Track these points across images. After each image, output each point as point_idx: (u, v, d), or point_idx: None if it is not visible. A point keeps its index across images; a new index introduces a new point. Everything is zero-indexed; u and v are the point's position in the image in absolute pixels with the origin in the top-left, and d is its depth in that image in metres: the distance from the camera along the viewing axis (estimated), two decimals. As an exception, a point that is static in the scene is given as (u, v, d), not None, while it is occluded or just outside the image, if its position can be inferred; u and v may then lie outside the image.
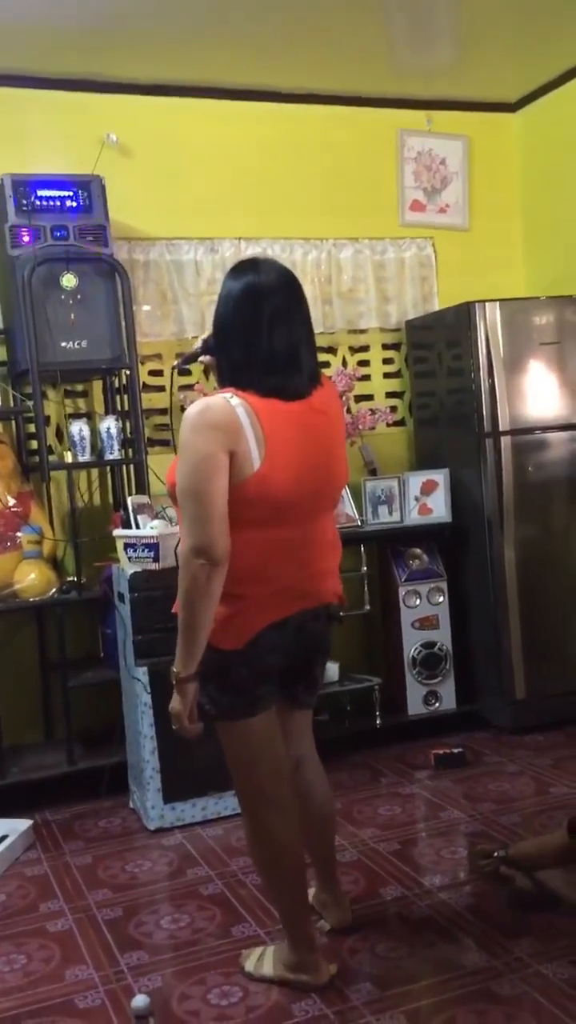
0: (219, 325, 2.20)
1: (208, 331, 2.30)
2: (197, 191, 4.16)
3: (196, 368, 4.16)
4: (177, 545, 2.14)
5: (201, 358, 2.34)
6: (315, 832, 2.50)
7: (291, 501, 2.16)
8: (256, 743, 2.25)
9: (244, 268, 2.20)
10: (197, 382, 4.15)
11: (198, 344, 2.37)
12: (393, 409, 4.54)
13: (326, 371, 4.40)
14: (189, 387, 4.15)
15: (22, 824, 3.34)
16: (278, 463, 2.11)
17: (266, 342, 2.13)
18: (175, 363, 2.61)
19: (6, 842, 3.19)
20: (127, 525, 3.54)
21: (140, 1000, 2.29)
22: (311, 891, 2.57)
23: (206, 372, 3.95)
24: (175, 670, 2.14)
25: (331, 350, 4.48)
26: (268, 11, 3.54)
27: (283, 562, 2.18)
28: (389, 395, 4.61)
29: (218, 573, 2.06)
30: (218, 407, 2.09)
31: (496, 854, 2.70)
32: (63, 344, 3.60)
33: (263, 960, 2.41)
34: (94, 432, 3.79)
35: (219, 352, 2.21)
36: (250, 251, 4.21)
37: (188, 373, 4.13)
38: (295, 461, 2.14)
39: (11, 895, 2.97)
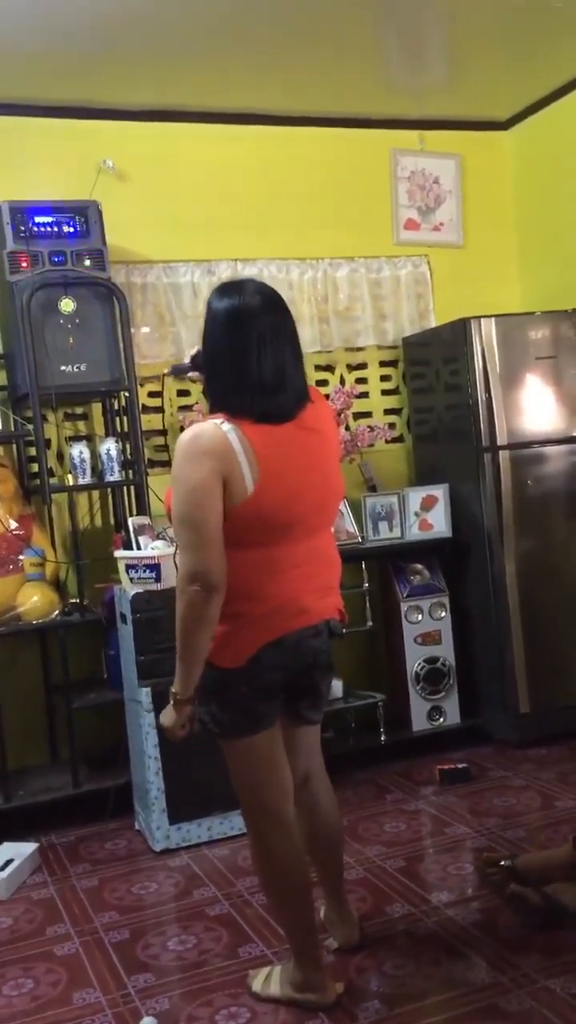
0: (207, 349, 2.22)
1: (198, 347, 2.31)
2: (193, 214, 4.20)
3: (196, 388, 4.19)
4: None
5: (190, 374, 2.36)
6: (323, 850, 2.50)
7: (286, 521, 2.17)
8: (259, 761, 2.26)
9: (228, 291, 2.21)
10: (196, 403, 4.18)
11: (187, 360, 2.40)
12: (392, 426, 4.56)
13: (324, 389, 4.42)
14: (188, 407, 4.17)
15: (28, 847, 3.34)
16: (272, 485, 2.12)
17: (254, 366, 2.14)
18: (166, 371, 2.64)
19: (12, 866, 3.19)
20: (128, 546, 3.55)
21: (148, 1023, 2.30)
22: (320, 909, 2.57)
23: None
24: (174, 691, 2.18)
25: (329, 368, 4.51)
26: (262, 36, 3.59)
27: (281, 580, 2.20)
28: (387, 412, 4.63)
29: (215, 599, 2.09)
30: (209, 434, 2.11)
31: (503, 863, 2.70)
32: (62, 367, 3.63)
33: (270, 980, 2.41)
34: (94, 454, 3.81)
35: (208, 376, 2.23)
36: (247, 272, 4.25)
37: (184, 375, 4.11)
38: (289, 481, 2.16)
39: (18, 919, 2.97)
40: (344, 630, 2.40)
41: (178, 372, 2.53)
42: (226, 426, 2.12)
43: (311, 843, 2.43)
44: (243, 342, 2.15)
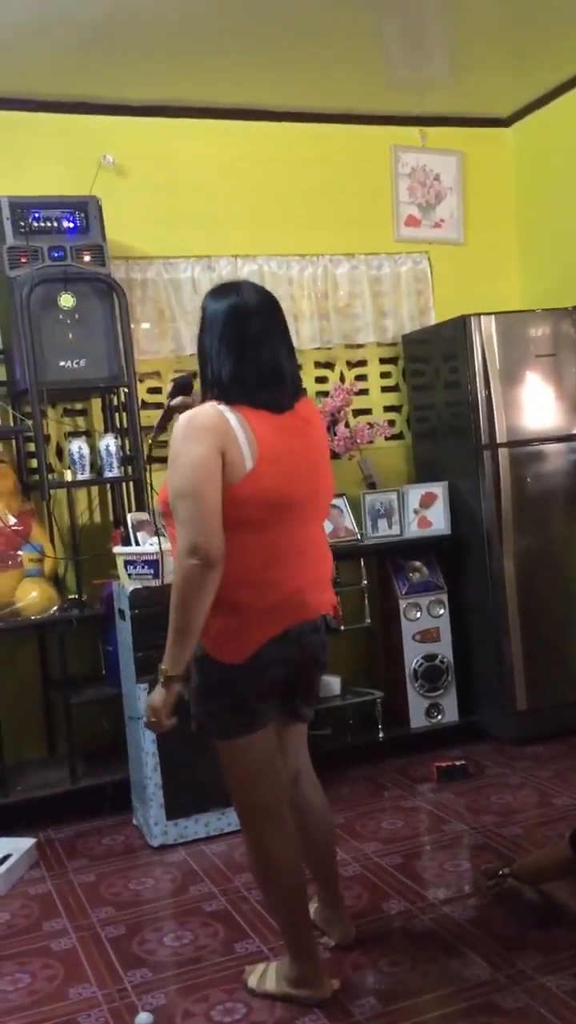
0: (207, 346, 2.24)
1: (176, 373, 2.35)
2: (193, 210, 4.20)
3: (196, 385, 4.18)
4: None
5: (173, 403, 2.39)
6: (315, 847, 2.50)
7: (286, 501, 2.19)
8: (256, 760, 2.26)
9: (226, 290, 2.27)
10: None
11: (169, 384, 2.42)
12: (391, 423, 4.56)
13: (324, 386, 4.43)
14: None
15: (26, 842, 3.34)
16: (270, 463, 2.15)
17: (253, 359, 2.19)
18: (152, 434, 2.63)
19: (9, 861, 3.19)
20: (127, 542, 3.55)
21: (144, 1018, 2.30)
22: (313, 907, 2.57)
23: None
24: (163, 667, 2.14)
25: (328, 365, 4.51)
26: (262, 31, 3.58)
27: (280, 568, 2.20)
28: (387, 409, 4.63)
29: (212, 575, 2.08)
30: (206, 413, 2.14)
31: (501, 872, 2.70)
32: (62, 363, 3.63)
33: (266, 976, 2.41)
34: (93, 450, 3.81)
35: (207, 373, 2.25)
36: (246, 268, 4.25)
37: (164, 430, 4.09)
38: (286, 462, 2.18)
39: (15, 914, 2.97)
40: (341, 627, 2.40)
41: (163, 426, 2.54)
42: (222, 407, 2.15)
43: (304, 841, 2.42)
44: (243, 338, 2.19)
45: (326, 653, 2.38)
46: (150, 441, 2.64)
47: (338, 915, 2.59)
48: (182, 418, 2.15)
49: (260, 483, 2.13)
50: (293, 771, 2.44)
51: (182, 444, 2.11)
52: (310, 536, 2.29)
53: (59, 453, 3.99)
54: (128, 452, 3.84)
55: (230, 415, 2.13)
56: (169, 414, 2.45)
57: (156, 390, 4.15)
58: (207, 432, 2.10)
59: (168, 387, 2.42)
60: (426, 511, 4.22)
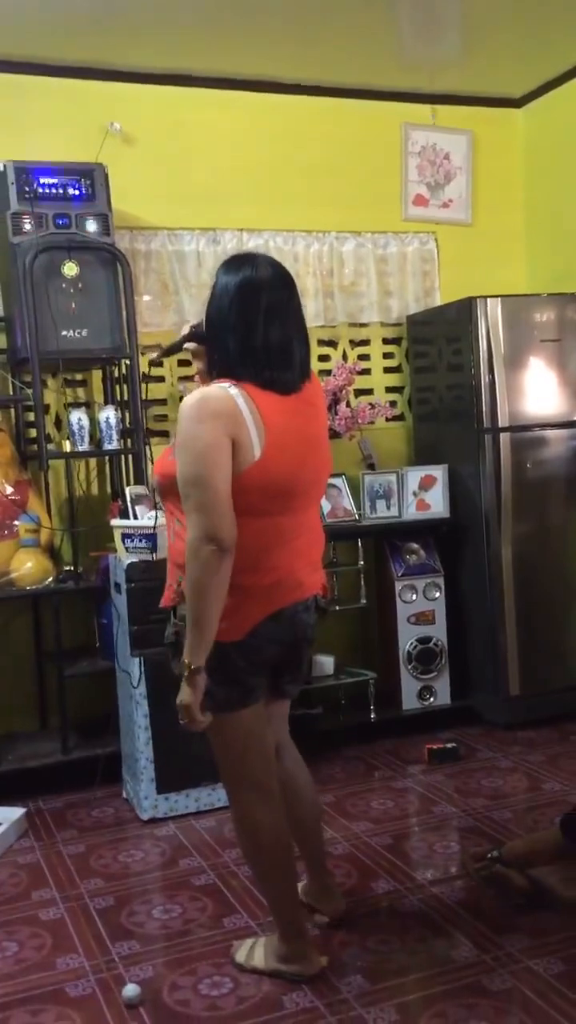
0: (214, 318, 2.20)
1: (196, 319, 2.30)
2: (200, 181, 4.15)
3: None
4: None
5: (186, 345, 2.35)
6: (302, 820, 2.50)
7: (290, 490, 2.17)
8: (246, 734, 2.26)
9: (240, 262, 2.21)
10: (196, 373, 4.13)
11: (185, 330, 2.39)
12: (393, 404, 4.54)
13: (326, 364, 4.40)
14: (189, 378, 4.14)
15: (15, 812, 3.34)
16: (278, 451, 2.12)
17: (261, 336, 2.14)
18: (153, 355, 2.61)
19: (-1, 830, 3.20)
20: (125, 515, 3.53)
21: (131, 989, 2.31)
22: (301, 885, 2.57)
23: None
24: (186, 661, 2.10)
25: (332, 343, 4.48)
26: (275, 2, 3.52)
27: (280, 551, 2.20)
28: (389, 390, 4.60)
29: (228, 559, 2.06)
30: (217, 396, 2.10)
31: (489, 855, 2.70)
32: (63, 333, 3.59)
33: (254, 951, 2.42)
34: (93, 421, 3.78)
35: (212, 344, 2.21)
36: (252, 243, 4.21)
37: (161, 365, 4.10)
38: (292, 450, 2.16)
39: (3, 883, 2.97)
40: (337, 607, 2.40)
41: (169, 352, 2.51)
42: (233, 390, 2.11)
43: (290, 816, 2.42)
44: (253, 313, 2.14)
45: (315, 631, 2.39)
46: (152, 357, 2.60)
47: (327, 889, 2.60)
48: (191, 398, 2.10)
49: (266, 472, 2.11)
50: (275, 745, 2.43)
51: (194, 427, 2.07)
52: (308, 520, 2.29)
53: (58, 423, 3.97)
54: (128, 425, 3.82)
55: (239, 399, 2.09)
56: (177, 348, 2.42)
57: (158, 363, 4.12)
58: (218, 418, 2.06)
59: (187, 328, 2.38)
60: (425, 494, 4.21)
